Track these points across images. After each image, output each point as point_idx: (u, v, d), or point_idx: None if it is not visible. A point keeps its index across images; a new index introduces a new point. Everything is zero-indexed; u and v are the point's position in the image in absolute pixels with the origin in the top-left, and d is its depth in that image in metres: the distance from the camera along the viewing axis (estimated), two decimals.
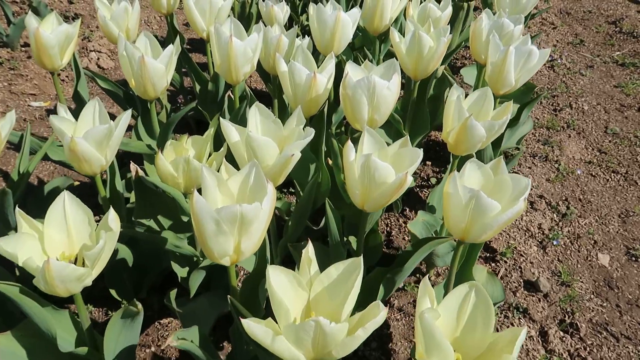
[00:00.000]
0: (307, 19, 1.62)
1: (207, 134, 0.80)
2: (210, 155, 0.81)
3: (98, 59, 2.10)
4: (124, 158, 1.36)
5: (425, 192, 1.39)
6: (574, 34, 2.34)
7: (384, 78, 0.85)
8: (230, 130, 0.71)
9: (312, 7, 1.07)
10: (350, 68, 0.86)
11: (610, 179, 1.48)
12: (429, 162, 1.50)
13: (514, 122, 1.12)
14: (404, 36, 1.07)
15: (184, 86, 1.52)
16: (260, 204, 0.55)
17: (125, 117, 0.79)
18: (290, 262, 0.91)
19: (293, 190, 1.34)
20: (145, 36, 1.00)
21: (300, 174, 1.00)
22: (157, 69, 0.94)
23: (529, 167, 1.49)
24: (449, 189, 0.64)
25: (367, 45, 1.53)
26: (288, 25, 1.85)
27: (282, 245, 0.86)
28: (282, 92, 1.18)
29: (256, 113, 0.75)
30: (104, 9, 1.19)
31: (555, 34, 2.32)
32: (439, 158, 1.53)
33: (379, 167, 0.66)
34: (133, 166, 0.81)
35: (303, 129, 0.72)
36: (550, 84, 1.92)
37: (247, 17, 1.68)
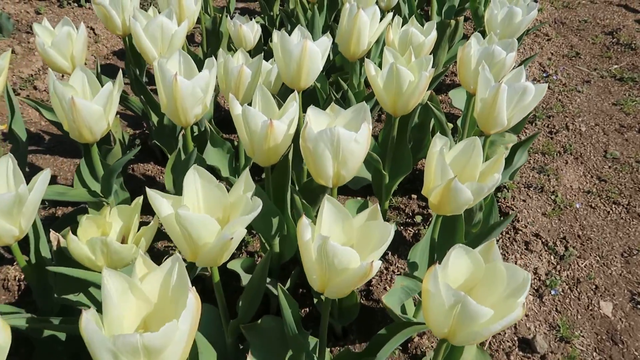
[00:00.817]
0: None
1: (135, 202, 0.67)
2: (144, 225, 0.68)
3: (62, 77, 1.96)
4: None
5: (410, 230, 1.27)
6: (569, 46, 2.22)
7: (352, 125, 0.73)
8: (160, 204, 0.58)
9: (275, 35, 0.94)
10: (311, 114, 0.73)
11: (611, 211, 1.36)
12: (414, 196, 1.37)
13: (507, 162, 1.00)
14: (381, 67, 0.94)
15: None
16: (177, 323, 0.42)
17: (43, 178, 0.66)
18: (244, 339, 0.78)
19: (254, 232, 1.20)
20: (82, 71, 0.86)
21: (261, 227, 0.87)
22: (92, 111, 0.81)
23: (524, 200, 1.37)
24: (429, 287, 0.51)
25: (347, 65, 1.40)
26: (263, 44, 1.72)
27: (233, 327, 0.73)
28: None
29: (195, 177, 0.62)
30: (45, 34, 1.05)
31: (549, 46, 2.20)
32: None
33: (338, 253, 0.53)
34: (53, 235, 0.68)
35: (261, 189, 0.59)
36: (546, 103, 1.79)
37: (217, 34, 1.55)
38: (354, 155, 0.70)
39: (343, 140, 0.68)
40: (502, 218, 1.28)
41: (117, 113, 1.50)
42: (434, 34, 1.08)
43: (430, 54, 1.11)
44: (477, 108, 0.93)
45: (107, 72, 2.01)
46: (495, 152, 1.33)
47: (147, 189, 0.58)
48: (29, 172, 1.35)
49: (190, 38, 2.22)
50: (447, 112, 1.69)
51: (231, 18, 1.90)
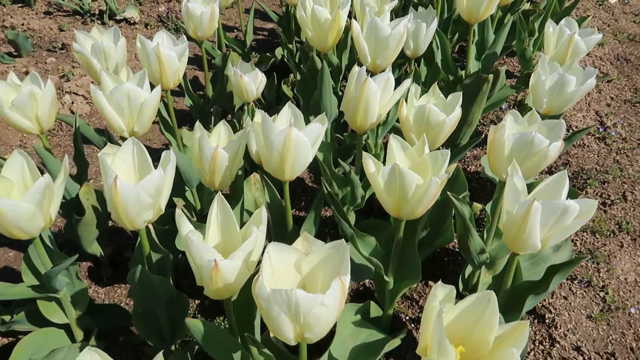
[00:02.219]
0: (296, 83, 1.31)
1: None
2: None
3: (72, 102, 1.87)
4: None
5: None
6: (634, 89, 1.94)
7: (326, 268, 0.55)
8: None
9: (258, 114, 0.77)
10: (273, 252, 0.56)
11: None
12: (431, 283, 1.17)
13: (540, 286, 0.78)
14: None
15: None
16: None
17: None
18: None
19: None
20: (21, 155, 0.72)
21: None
22: (20, 212, 0.66)
23: (565, 297, 1.14)
24: None
25: None
26: (278, 87, 1.55)
27: None
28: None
29: None
30: (7, 91, 0.93)
31: (609, 89, 1.92)
32: (448, 272, 1.20)
33: None
34: None
35: None
36: (600, 164, 1.54)
37: (223, 77, 1.39)
38: (321, 320, 0.52)
39: (304, 306, 0.50)
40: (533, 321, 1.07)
41: None
42: (457, 113, 0.87)
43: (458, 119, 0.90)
44: (503, 219, 0.72)
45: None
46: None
47: None
48: None
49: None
50: (476, 178, 1.47)
51: (247, 52, 1.76)
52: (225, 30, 2.40)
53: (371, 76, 0.99)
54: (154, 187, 0.65)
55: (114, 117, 0.84)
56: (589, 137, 1.65)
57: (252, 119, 1.14)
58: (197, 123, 0.86)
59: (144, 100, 0.84)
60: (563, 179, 0.70)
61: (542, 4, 1.88)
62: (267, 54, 1.85)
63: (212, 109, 1.32)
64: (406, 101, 0.92)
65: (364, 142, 1.17)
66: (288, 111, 0.79)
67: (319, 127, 0.75)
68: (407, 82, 0.92)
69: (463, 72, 1.47)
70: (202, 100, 1.39)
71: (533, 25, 1.69)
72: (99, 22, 2.36)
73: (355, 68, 0.92)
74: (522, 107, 1.71)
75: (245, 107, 1.26)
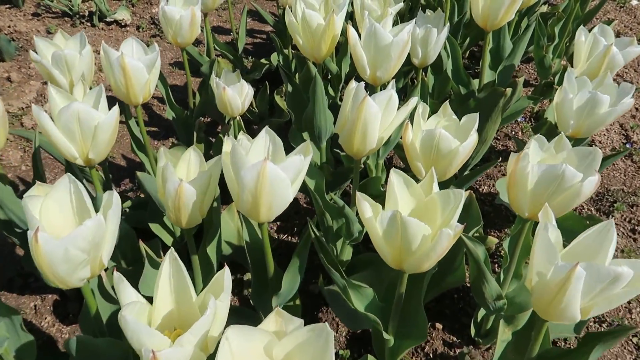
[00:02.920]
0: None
1: None
2: None
3: None
4: None
5: None
6: None
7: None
8: None
9: (227, 142, 0.64)
10: (233, 336, 0.42)
11: None
12: (439, 325, 1.02)
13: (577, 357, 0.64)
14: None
15: None
16: None
17: None
18: None
19: None
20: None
21: None
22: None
23: None
24: None
25: None
26: (271, 98, 1.42)
27: None
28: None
29: None
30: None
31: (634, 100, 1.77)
32: (458, 311, 1.06)
33: None
34: None
35: None
36: (627, 185, 1.39)
37: (208, 87, 1.26)
38: None
39: None
40: None
41: None
42: (472, 140, 0.73)
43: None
44: (532, 279, 0.58)
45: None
46: None
47: None
48: None
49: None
50: (489, 200, 1.33)
51: (239, 58, 1.62)
52: (221, 33, 2.27)
53: (371, 90, 0.85)
54: (87, 241, 0.51)
55: (62, 142, 0.71)
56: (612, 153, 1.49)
57: (236, 137, 1.01)
58: (162, 149, 0.72)
59: (98, 124, 0.70)
60: (609, 232, 0.56)
61: (562, 5, 1.73)
62: (263, 59, 1.72)
63: (196, 122, 1.19)
64: (411, 122, 0.78)
65: (362, 165, 1.03)
66: (265, 138, 0.66)
67: (301, 161, 0.61)
68: (414, 101, 0.78)
69: (475, 81, 1.32)
70: (186, 112, 1.26)
71: (552, 29, 1.55)
72: (89, 24, 2.24)
73: (352, 83, 0.78)
74: (540, 121, 1.56)
75: (232, 122, 1.12)
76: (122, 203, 1.19)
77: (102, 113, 0.72)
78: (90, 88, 1.05)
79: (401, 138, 0.88)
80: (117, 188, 1.43)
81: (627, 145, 1.49)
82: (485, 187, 1.37)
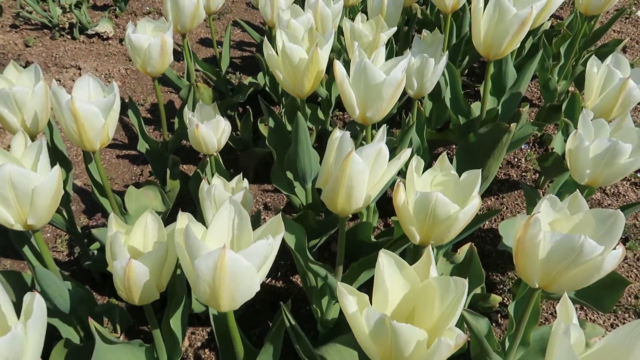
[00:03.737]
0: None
1: None
2: None
3: None
4: None
5: None
6: None
7: None
8: None
9: (181, 217, 0.53)
10: None
11: None
12: None
13: None
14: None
15: None
16: None
17: None
18: None
19: None
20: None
21: None
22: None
23: None
24: None
25: None
26: (253, 128, 1.31)
27: None
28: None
29: None
30: None
31: None
32: None
33: None
34: None
35: None
36: (638, 221, 1.29)
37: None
38: None
39: None
40: None
41: None
42: (474, 204, 0.62)
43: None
44: None
45: None
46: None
47: None
48: None
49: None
50: (490, 238, 1.23)
51: (223, 78, 1.51)
52: (209, 45, 2.16)
53: (360, 130, 0.75)
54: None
55: None
56: (624, 182, 1.40)
57: (211, 178, 0.91)
58: (112, 216, 0.62)
59: (36, 187, 0.60)
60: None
61: (567, 20, 1.63)
62: (251, 77, 1.61)
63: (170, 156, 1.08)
64: (404, 179, 0.68)
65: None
66: (230, 209, 0.55)
67: (268, 245, 0.50)
68: (406, 153, 0.68)
69: (476, 105, 1.22)
70: (160, 143, 1.15)
71: (558, 48, 1.45)
72: (69, 36, 2.13)
73: (336, 132, 0.68)
74: (545, 148, 1.46)
75: (208, 159, 1.02)
76: (90, 245, 1.08)
77: (41, 173, 0.61)
78: (50, 124, 0.95)
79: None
80: (91, 221, 1.32)
81: (638, 174, 1.39)
82: (487, 223, 1.27)
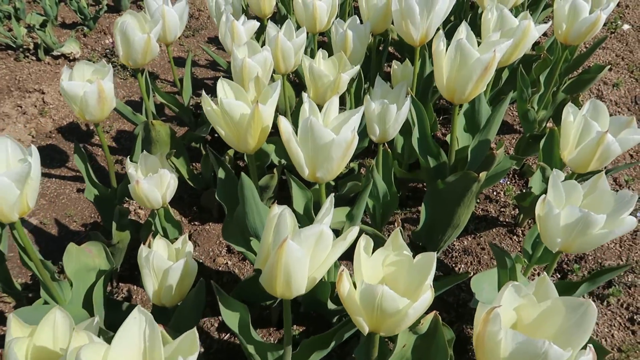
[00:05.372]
0: None
1: None
2: None
3: None
4: None
5: None
6: None
7: None
8: None
9: (76, 337, 0.45)
10: None
11: None
12: None
13: None
14: None
15: None
16: None
17: None
18: None
19: None
20: None
21: None
22: None
23: None
24: None
25: None
26: (210, 169, 1.23)
27: None
28: None
29: None
30: None
31: None
32: None
33: None
34: None
35: None
36: (623, 259, 1.22)
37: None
38: None
39: None
40: None
41: None
42: (426, 298, 0.54)
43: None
44: None
45: (44, 155, 1.59)
46: None
47: None
48: None
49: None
50: (466, 286, 1.15)
51: (186, 109, 1.43)
52: (182, 65, 2.08)
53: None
54: None
55: None
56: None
57: (152, 240, 0.83)
58: (11, 317, 0.54)
59: None
60: None
61: (547, 43, 1.56)
62: None
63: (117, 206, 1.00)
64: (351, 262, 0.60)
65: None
66: (140, 319, 0.47)
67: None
68: (354, 232, 0.60)
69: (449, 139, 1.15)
70: (109, 189, 1.07)
71: (537, 75, 1.38)
72: (34, 57, 2.04)
73: (275, 208, 0.60)
74: (524, 181, 1.39)
75: (156, 212, 0.94)
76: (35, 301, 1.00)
77: None
78: None
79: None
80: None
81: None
82: (462, 266, 1.19)
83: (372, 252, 0.62)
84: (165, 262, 0.76)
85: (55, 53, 2.02)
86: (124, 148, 1.67)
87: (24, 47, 2.04)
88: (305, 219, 0.88)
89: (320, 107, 0.75)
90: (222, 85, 0.75)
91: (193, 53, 2.15)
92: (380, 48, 1.53)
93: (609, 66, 1.35)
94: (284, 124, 0.70)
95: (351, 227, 0.60)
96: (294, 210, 0.89)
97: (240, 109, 0.72)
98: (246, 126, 0.73)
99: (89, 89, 0.85)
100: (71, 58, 2.03)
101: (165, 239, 0.82)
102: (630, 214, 0.67)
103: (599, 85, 1.82)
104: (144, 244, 0.78)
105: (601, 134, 0.76)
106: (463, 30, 0.83)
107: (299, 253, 0.55)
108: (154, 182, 0.85)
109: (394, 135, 0.93)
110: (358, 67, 0.97)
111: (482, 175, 0.88)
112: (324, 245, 0.58)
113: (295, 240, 0.56)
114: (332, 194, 0.65)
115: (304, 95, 0.75)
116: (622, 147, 0.78)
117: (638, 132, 0.80)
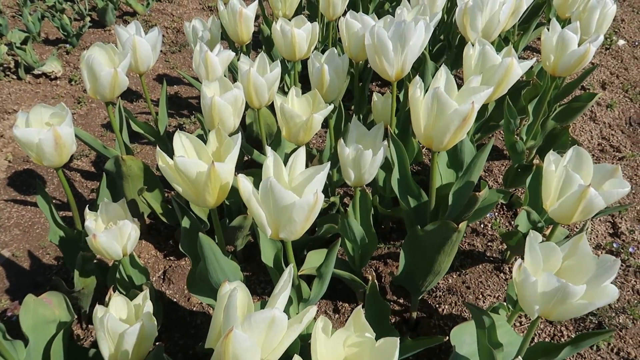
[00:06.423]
0: None
1: None
2: None
3: None
4: None
5: None
6: None
7: None
8: None
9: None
10: None
11: None
12: None
13: None
14: None
15: None
16: None
17: None
18: None
19: None
20: None
21: None
22: None
23: None
24: None
25: None
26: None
27: None
28: None
29: None
30: None
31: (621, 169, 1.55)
32: None
33: None
34: None
35: None
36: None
37: (117, 187, 1.03)
38: None
39: None
40: None
41: None
42: None
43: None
44: None
45: (21, 181, 1.54)
46: None
47: None
48: None
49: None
50: (450, 327, 1.10)
51: (162, 139, 1.38)
52: (168, 82, 2.03)
53: None
54: None
55: None
56: (597, 250, 1.28)
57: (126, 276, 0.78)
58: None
59: None
60: None
61: (537, 67, 1.52)
62: (199, 130, 1.48)
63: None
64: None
65: None
66: None
67: None
68: (310, 314, 0.55)
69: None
70: (76, 231, 1.02)
71: (526, 102, 1.33)
72: (15, 76, 1.99)
73: (225, 286, 0.56)
74: (513, 213, 1.34)
75: (119, 264, 0.89)
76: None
77: None
78: None
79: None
80: (15, 301, 1.19)
81: (615, 245, 1.27)
82: (446, 306, 1.14)
83: (343, 306, 0.58)
84: (121, 325, 0.71)
85: (36, 72, 1.97)
86: (102, 174, 1.62)
87: (5, 65, 1.99)
88: (275, 272, 0.84)
89: (294, 149, 0.70)
90: (180, 139, 0.71)
91: (179, 69, 2.11)
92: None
93: (599, 94, 1.30)
94: (243, 184, 0.66)
95: (308, 308, 0.55)
96: (264, 263, 0.85)
97: (196, 167, 0.67)
98: (203, 185, 0.68)
99: (44, 135, 0.80)
100: (52, 77, 1.99)
101: (125, 296, 0.77)
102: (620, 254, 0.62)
103: (593, 107, 1.78)
104: (107, 292, 0.74)
105: (583, 187, 0.72)
106: (442, 76, 0.78)
107: (247, 343, 0.51)
108: (112, 235, 0.80)
109: (370, 180, 0.89)
110: (331, 107, 0.92)
111: (462, 225, 0.83)
112: (277, 330, 0.53)
113: (245, 326, 0.51)
114: (290, 265, 0.60)
115: (267, 149, 0.71)
116: (606, 201, 0.73)
117: (623, 184, 0.75)
